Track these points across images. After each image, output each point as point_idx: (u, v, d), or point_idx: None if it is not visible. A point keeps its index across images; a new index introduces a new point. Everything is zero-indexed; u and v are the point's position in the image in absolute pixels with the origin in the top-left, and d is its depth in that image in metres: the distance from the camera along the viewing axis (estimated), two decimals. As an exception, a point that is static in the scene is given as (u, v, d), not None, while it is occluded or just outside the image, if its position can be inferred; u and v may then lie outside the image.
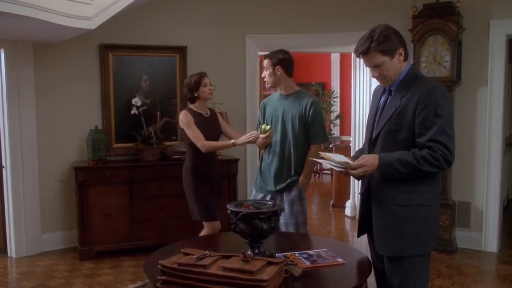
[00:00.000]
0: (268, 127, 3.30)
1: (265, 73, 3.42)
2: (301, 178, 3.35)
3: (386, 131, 2.20)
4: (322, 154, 2.38)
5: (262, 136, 3.32)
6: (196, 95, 3.71)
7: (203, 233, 3.72)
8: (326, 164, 2.31)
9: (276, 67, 3.34)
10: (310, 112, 3.28)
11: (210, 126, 3.73)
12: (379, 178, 2.19)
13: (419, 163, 2.06)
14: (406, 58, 2.23)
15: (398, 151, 2.13)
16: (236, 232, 2.26)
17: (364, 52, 2.18)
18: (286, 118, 3.35)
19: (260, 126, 3.36)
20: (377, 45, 2.14)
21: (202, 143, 3.59)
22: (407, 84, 2.19)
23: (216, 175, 3.82)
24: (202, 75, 3.72)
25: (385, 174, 2.14)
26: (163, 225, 4.60)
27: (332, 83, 9.49)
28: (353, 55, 5.62)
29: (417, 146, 2.12)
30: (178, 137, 5.12)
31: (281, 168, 3.36)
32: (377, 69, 2.20)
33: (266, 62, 3.41)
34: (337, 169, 2.25)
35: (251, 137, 3.45)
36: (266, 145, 3.42)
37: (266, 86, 3.64)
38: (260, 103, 3.89)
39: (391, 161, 2.11)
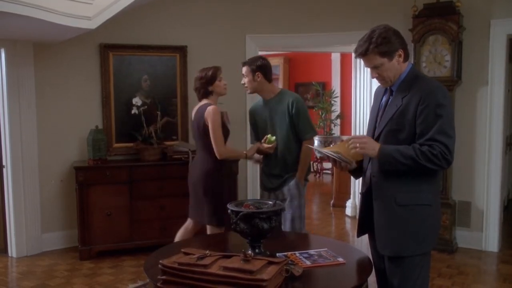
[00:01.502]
0: (273, 138, 3.40)
1: (245, 80, 3.51)
2: (297, 174, 3.47)
3: (388, 130, 2.20)
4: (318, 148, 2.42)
5: (266, 146, 3.44)
6: (210, 89, 3.53)
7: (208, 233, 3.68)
8: (320, 151, 2.32)
9: (256, 74, 3.44)
10: (293, 110, 3.39)
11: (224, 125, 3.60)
12: (379, 176, 2.20)
13: (418, 157, 2.06)
14: (406, 59, 2.23)
15: None
16: (237, 231, 2.26)
17: (362, 53, 2.19)
18: (273, 121, 3.47)
19: (266, 136, 3.45)
20: (376, 47, 2.14)
21: (222, 148, 3.41)
22: (408, 84, 2.19)
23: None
24: (218, 69, 3.56)
25: (383, 163, 2.14)
26: (163, 225, 4.59)
27: (333, 83, 9.47)
28: (353, 55, 5.61)
29: (417, 145, 2.12)
30: (178, 136, 5.13)
31: (276, 169, 3.50)
32: (376, 70, 2.21)
33: (245, 69, 3.50)
34: (330, 154, 2.25)
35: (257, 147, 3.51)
36: (266, 154, 3.52)
37: (246, 92, 3.67)
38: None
39: (391, 150, 2.11)
